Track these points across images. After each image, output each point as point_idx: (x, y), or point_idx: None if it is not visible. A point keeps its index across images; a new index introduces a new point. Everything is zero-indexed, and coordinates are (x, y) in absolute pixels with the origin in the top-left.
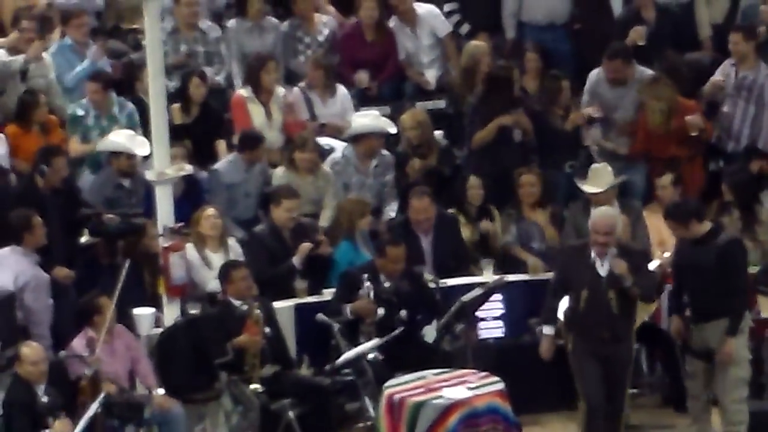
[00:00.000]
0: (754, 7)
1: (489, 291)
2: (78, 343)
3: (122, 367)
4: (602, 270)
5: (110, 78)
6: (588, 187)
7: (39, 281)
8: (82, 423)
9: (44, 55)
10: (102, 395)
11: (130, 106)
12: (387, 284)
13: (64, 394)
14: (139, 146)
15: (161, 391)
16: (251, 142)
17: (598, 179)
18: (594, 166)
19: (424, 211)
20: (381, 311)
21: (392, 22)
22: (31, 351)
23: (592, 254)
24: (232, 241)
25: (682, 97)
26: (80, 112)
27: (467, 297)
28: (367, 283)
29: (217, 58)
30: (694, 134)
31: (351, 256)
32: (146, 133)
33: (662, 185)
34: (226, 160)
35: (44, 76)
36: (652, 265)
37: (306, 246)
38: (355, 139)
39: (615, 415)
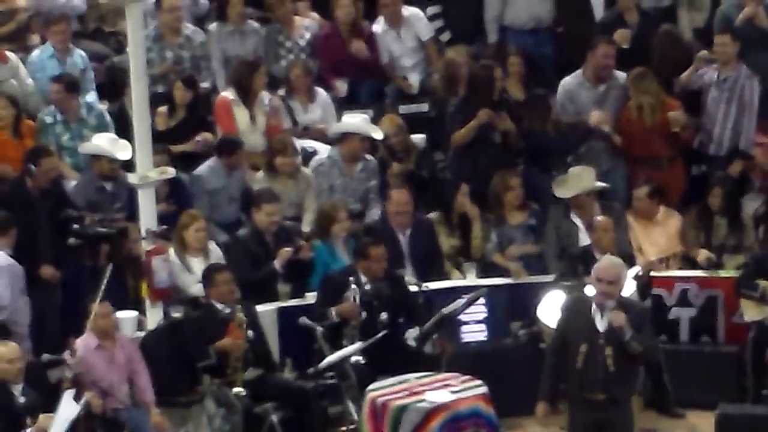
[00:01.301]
0: (732, 9)
1: (470, 301)
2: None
3: (118, 377)
4: (601, 324)
5: (74, 81)
6: (560, 191)
7: None
8: (65, 424)
9: (11, 56)
10: (84, 400)
11: (99, 107)
12: (368, 287)
13: (44, 396)
14: (121, 150)
15: (157, 410)
16: (229, 146)
17: (574, 183)
18: (572, 170)
19: (403, 203)
20: (363, 314)
21: (377, 26)
22: (7, 349)
23: (593, 307)
24: (212, 246)
25: (668, 76)
26: (49, 119)
27: (448, 309)
28: (354, 286)
29: (204, 62)
30: (675, 130)
31: (325, 257)
32: (128, 136)
33: (638, 197)
34: (206, 165)
35: (15, 78)
36: (634, 271)
37: (286, 251)
38: (340, 140)
39: None
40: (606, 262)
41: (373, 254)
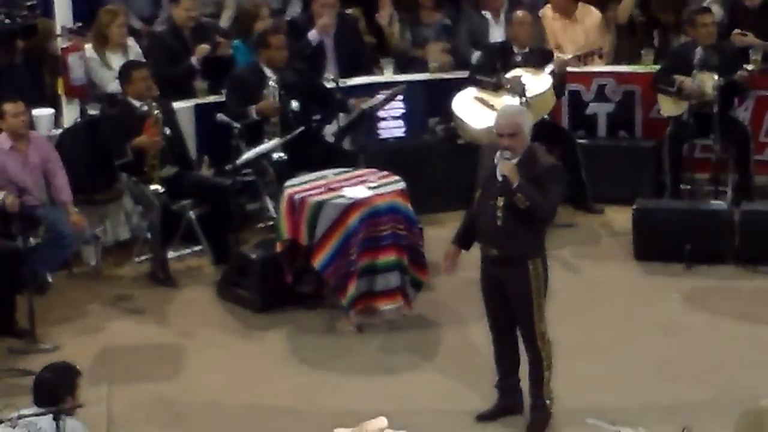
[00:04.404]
0: None
1: (389, 97)
2: None
3: (34, 177)
4: (500, 174)
5: None
6: None
7: None
8: None
9: None
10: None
11: None
12: (273, 78)
13: None
14: None
15: (75, 208)
16: None
17: None
18: None
19: (330, 2)
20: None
21: None
22: None
23: (497, 155)
24: (131, 42)
25: None
26: None
27: (368, 104)
28: (272, 83)
29: None
30: None
31: (245, 55)
32: None
33: None
34: None
35: None
36: (549, 68)
37: (203, 47)
38: None
39: (526, 338)
40: (502, 115)
41: (273, 42)
